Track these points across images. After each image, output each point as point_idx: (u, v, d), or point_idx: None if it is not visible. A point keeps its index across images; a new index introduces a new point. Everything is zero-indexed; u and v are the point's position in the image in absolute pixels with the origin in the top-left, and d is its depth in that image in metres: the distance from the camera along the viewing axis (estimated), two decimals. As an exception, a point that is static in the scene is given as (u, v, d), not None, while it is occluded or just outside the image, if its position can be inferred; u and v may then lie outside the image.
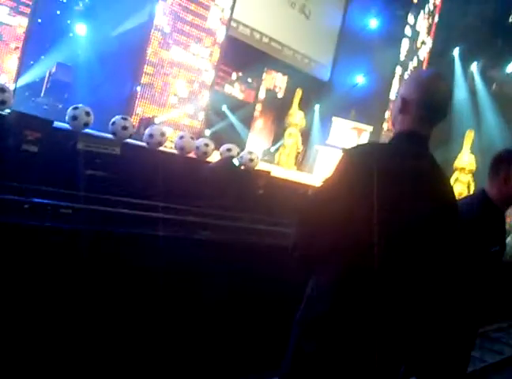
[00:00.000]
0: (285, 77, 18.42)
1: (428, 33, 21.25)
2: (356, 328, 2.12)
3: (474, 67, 21.88)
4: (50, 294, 3.88)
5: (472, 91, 21.82)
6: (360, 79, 18.85)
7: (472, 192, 15.79)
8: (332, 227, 2.11)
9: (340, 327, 2.12)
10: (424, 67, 21.06)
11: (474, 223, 3.03)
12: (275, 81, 18.60)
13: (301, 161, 16.36)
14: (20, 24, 10.28)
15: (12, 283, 3.68)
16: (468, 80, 21.96)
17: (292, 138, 15.01)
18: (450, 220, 2.27)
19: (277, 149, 15.77)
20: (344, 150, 2.25)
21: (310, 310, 2.21)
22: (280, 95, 18.46)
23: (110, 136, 7.29)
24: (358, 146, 2.34)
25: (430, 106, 2.28)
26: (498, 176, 3.17)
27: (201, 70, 13.26)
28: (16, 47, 10.32)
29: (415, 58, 20.63)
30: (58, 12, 11.86)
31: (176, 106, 12.82)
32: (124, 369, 4.32)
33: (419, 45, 20.90)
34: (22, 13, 10.27)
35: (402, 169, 2.18)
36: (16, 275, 3.70)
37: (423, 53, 21.15)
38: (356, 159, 2.19)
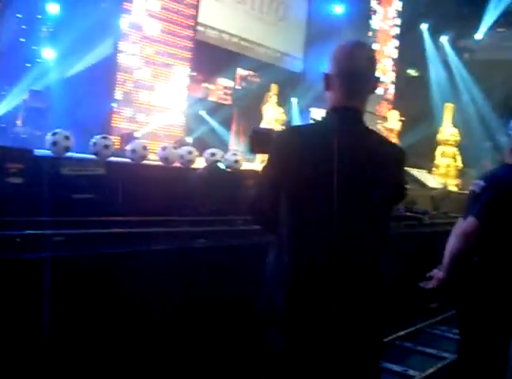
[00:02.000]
0: (259, 74, 18.40)
1: (394, 10, 21.27)
2: (317, 308, 2.12)
3: (444, 40, 21.96)
4: (55, 328, 3.85)
5: (446, 64, 21.92)
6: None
7: (458, 163, 15.85)
8: (271, 199, 2.23)
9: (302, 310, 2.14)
10: (394, 48, 21.11)
11: None
12: (249, 79, 18.56)
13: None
14: (-16, 56, 10.21)
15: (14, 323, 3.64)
16: (440, 54, 22.06)
17: (274, 134, 14.93)
18: (393, 176, 2.29)
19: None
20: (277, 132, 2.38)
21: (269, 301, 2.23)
22: (255, 92, 18.43)
23: (92, 156, 7.25)
24: (287, 128, 2.41)
25: (351, 77, 2.25)
26: None
27: (175, 78, 13.23)
28: (-16, 80, 10.24)
29: (384, 38, 20.65)
30: (23, 39, 11.77)
31: (155, 118, 12.79)
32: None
33: (387, 24, 20.93)
34: (-16, 46, 10.19)
35: (332, 143, 2.16)
36: (17, 313, 3.65)
37: (392, 31, 21.18)
38: (281, 139, 2.32)
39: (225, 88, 18.05)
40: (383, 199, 2.23)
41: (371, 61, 2.33)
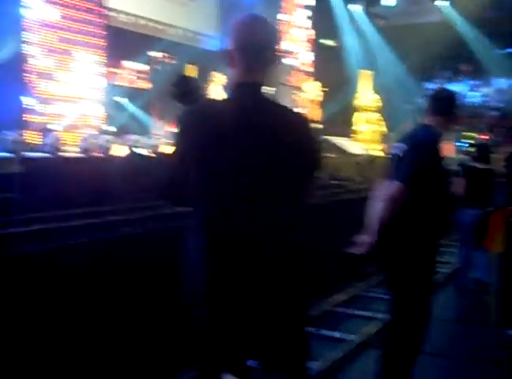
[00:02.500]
0: (175, 56, 18.18)
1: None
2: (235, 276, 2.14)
3: (356, 7, 22.24)
4: None
5: (361, 32, 22.21)
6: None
7: (382, 128, 16.19)
8: (182, 175, 2.20)
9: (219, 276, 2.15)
10: (306, 18, 21.20)
11: (437, 149, 3.44)
12: (165, 62, 18.32)
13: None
14: None
15: None
16: (353, 22, 22.32)
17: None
18: (300, 144, 2.27)
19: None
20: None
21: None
22: (174, 74, 18.21)
23: (9, 154, 7.07)
24: (189, 108, 2.37)
25: (249, 51, 2.24)
26: (451, 116, 3.60)
27: (89, 66, 12.95)
28: None
29: (296, 11, 20.69)
30: None
31: (72, 109, 12.49)
32: None
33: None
34: None
35: (237, 117, 2.16)
36: None
37: (304, 1, 21.19)
38: (186, 116, 2.27)
39: (140, 72, 17.75)
40: (293, 168, 2.22)
41: (269, 33, 2.30)
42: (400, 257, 3.35)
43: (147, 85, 17.81)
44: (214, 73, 14.65)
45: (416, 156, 3.28)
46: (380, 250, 3.33)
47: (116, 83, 16.45)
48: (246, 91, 2.25)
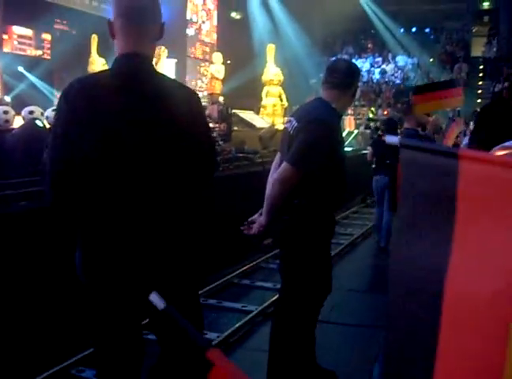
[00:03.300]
0: (77, 25, 17.66)
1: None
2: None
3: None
4: None
5: (266, 6, 22.27)
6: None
7: (284, 102, 16.35)
8: (67, 164, 2.06)
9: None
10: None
11: (335, 128, 3.31)
12: (66, 30, 17.77)
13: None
14: None
15: None
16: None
17: (99, 86, 14.58)
18: (188, 112, 2.19)
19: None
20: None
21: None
22: (76, 44, 17.71)
23: None
24: (72, 82, 2.13)
25: (132, 19, 2.13)
26: (349, 89, 3.31)
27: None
28: None
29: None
30: None
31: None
32: None
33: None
34: None
35: (123, 90, 2.07)
36: None
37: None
38: (69, 91, 2.07)
39: (42, 40, 17.16)
40: (182, 141, 2.15)
41: (153, 2, 2.19)
42: (295, 235, 3.29)
43: (47, 55, 17.25)
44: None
45: (308, 137, 3.11)
46: (274, 226, 3.34)
47: (12, 51, 15.83)
48: (128, 63, 2.14)
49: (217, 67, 16.28)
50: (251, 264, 7.17)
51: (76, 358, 4.28)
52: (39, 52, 17.29)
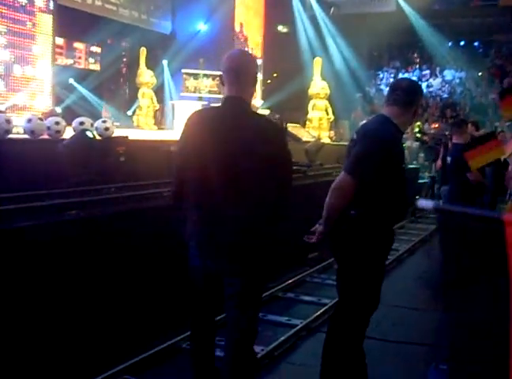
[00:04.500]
0: (126, 38, 17.99)
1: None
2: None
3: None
4: None
5: (314, 19, 22.28)
6: (202, 26, 18.71)
7: (329, 116, 16.32)
8: (184, 171, 3.07)
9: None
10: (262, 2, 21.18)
11: (392, 143, 3.32)
12: (116, 44, 18.11)
13: (160, 119, 16.21)
14: None
15: None
16: (306, 10, 22.39)
17: (146, 98, 14.84)
18: (271, 142, 2.98)
19: (134, 112, 15.52)
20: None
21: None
22: (124, 57, 18.05)
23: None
24: (195, 110, 3.15)
25: (232, 75, 3.07)
26: (411, 107, 3.43)
27: (37, 46, 12.66)
28: None
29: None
30: None
31: (19, 89, 12.22)
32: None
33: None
34: None
35: (222, 122, 2.98)
36: None
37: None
38: (189, 119, 3.09)
39: (90, 53, 17.56)
40: (264, 163, 2.92)
41: (251, 63, 3.19)
42: (352, 246, 3.35)
43: (97, 67, 17.60)
44: None
45: (365, 147, 3.23)
46: (331, 238, 3.38)
47: (64, 63, 16.22)
48: (230, 103, 3.08)
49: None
50: (296, 278, 7.15)
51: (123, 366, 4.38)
52: (90, 65, 17.68)
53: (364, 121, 3.89)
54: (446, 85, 25.22)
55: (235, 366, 3.03)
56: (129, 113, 16.43)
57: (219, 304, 3.10)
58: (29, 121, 7.81)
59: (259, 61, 19.83)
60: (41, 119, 8.01)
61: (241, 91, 3.07)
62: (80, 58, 17.54)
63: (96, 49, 17.63)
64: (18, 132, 8.23)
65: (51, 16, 12.97)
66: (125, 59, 17.96)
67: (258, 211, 2.96)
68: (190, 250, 3.09)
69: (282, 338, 4.98)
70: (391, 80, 23.72)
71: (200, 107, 4.13)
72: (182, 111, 14.74)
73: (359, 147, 3.27)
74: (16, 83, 12.21)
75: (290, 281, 6.98)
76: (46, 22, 12.89)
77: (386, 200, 3.28)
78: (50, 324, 4.48)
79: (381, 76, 25.72)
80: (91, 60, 17.74)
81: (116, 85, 17.92)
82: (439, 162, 8.07)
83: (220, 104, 3.14)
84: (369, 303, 3.44)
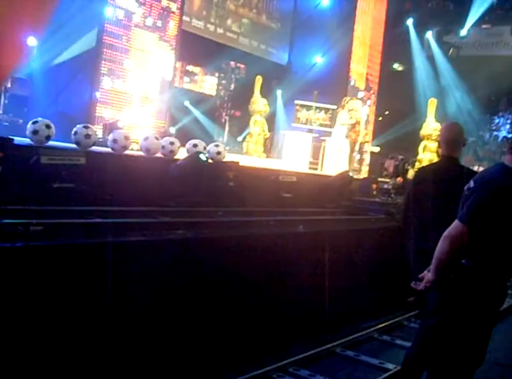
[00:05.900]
0: (245, 66, 18.39)
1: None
2: None
3: (429, 35, 21.99)
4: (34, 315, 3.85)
5: (431, 59, 21.97)
6: (318, 59, 18.83)
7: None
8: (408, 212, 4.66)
9: None
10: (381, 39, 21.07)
11: (509, 188, 3.19)
12: (235, 71, 18.56)
13: (269, 147, 16.36)
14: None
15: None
16: (425, 49, 22.11)
17: (258, 125, 15.02)
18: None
19: (244, 138, 15.76)
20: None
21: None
22: (241, 84, 18.43)
23: (73, 146, 7.22)
24: (421, 166, 4.27)
25: (449, 140, 4.47)
26: None
27: (160, 68, 13.15)
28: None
29: (369, 32, 20.55)
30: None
31: (138, 107, 12.71)
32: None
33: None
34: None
35: (442, 175, 4.39)
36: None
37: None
38: (417, 174, 5.04)
39: (208, 78, 18.05)
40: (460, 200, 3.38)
41: (457, 131, 4.56)
42: (463, 296, 3.23)
43: (214, 92, 18.07)
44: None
45: (481, 196, 3.14)
46: (438, 286, 3.30)
47: (184, 87, 16.75)
48: (445, 161, 4.53)
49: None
50: (392, 321, 7.00)
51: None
52: (205, 89, 18.16)
53: (482, 169, 3.80)
54: None
55: None
56: (240, 139, 16.70)
57: None
58: (146, 139, 8.07)
59: (373, 98, 19.77)
60: (157, 138, 8.26)
61: (452, 151, 4.48)
62: (196, 82, 18.08)
63: (212, 74, 18.11)
64: (132, 148, 8.51)
65: (176, 41, 13.43)
66: (240, 86, 18.31)
67: None
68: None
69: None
70: (507, 126, 23.00)
71: (310, 139, 5.23)
72: (292, 142, 14.86)
73: (476, 195, 3.16)
74: (137, 102, 12.70)
75: (386, 323, 6.84)
76: (171, 46, 13.36)
77: (502, 251, 3.17)
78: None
79: (496, 121, 24.91)
80: (207, 85, 18.24)
81: (229, 111, 18.30)
82: None
83: (437, 162, 4.98)
84: (473, 359, 3.29)
